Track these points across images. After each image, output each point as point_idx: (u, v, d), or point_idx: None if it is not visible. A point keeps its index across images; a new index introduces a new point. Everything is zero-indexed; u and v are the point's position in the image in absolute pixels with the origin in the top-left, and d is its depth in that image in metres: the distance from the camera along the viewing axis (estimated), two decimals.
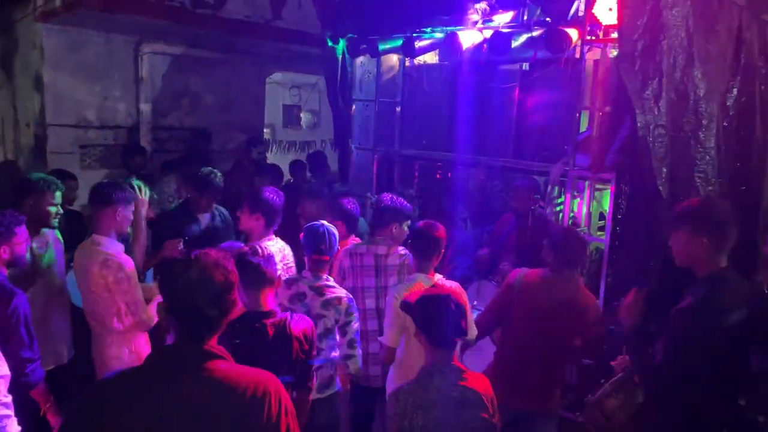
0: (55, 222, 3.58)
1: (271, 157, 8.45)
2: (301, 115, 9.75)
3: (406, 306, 2.61)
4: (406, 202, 3.91)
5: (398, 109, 6.36)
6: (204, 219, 4.33)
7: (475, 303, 4.41)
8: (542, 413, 3.43)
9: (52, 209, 3.52)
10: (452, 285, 3.21)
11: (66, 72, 5.93)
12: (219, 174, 4.36)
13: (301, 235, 3.33)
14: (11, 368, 2.59)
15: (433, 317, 2.45)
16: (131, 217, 3.43)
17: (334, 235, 3.28)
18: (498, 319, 3.47)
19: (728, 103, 3.96)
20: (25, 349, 2.84)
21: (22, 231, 3.01)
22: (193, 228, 4.23)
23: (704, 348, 2.40)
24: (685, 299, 2.54)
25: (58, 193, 3.56)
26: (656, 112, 3.65)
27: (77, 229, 4.91)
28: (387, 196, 3.92)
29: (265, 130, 8.42)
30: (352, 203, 4.09)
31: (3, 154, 6.55)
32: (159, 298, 1.89)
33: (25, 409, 2.76)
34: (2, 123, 6.53)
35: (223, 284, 1.74)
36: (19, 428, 2.57)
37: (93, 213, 3.36)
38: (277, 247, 3.67)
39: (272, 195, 3.80)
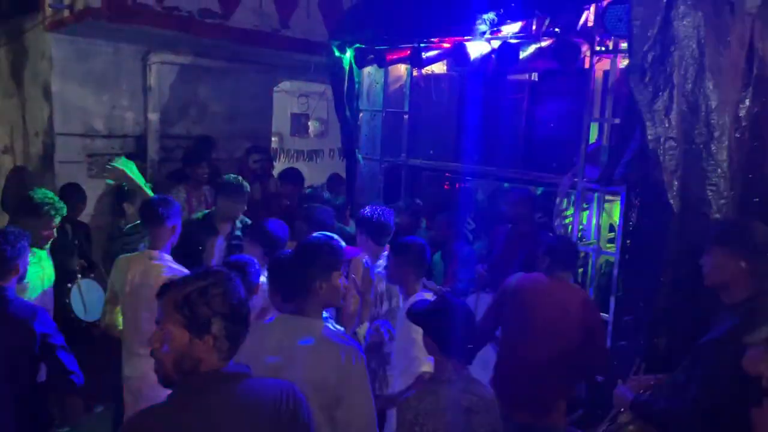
0: (47, 246, 3.61)
1: (279, 166, 8.44)
2: (309, 123, 9.75)
3: (414, 316, 2.59)
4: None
5: (406, 118, 6.33)
6: (225, 229, 4.24)
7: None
8: (544, 428, 3.38)
9: (47, 233, 3.55)
10: None
11: (74, 81, 5.95)
12: (242, 181, 4.26)
13: None
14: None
15: (445, 326, 2.45)
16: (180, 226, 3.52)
17: None
18: (495, 322, 3.44)
19: (740, 114, 3.90)
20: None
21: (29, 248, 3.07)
22: (213, 240, 4.18)
23: (740, 385, 2.17)
24: (714, 328, 2.41)
25: (58, 218, 3.57)
26: (667, 125, 3.60)
27: (84, 242, 4.94)
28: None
29: (272, 139, 8.42)
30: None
31: (12, 163, 6.58)
32: None
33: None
34: (12, 132, 6.57)
35: None
36: None
37: (148, 230, 3.47)
38: None
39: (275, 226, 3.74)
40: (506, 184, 5.83)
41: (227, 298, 1.77)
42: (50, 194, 3.65)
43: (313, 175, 9.25)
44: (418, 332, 2.67)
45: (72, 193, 4.84)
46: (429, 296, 3.32)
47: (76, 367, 2.91)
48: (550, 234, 4.40)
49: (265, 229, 3.66)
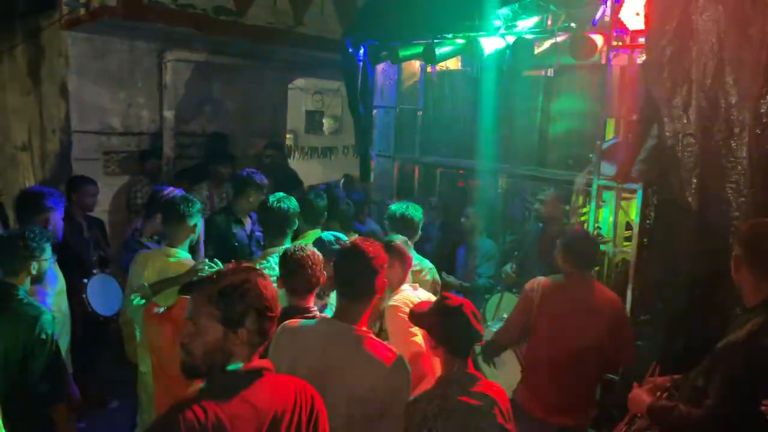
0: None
1: (293, 163, 8.45)
2: (324, 120, 9.75)
3: (417, 318, 2.56)
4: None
5: (419, 115, 6.30)
6: (249, 222, 4.32)
7: (504, 315, 4.32)
8: (577, 428, 3.35)
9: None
10: None
11: (90, 79, 6.00)
12: (259, 174, 4.34)
13: None
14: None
15: (451, 328, 2.42)
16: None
17: None
18: (522, 332, 3.39)
19: (762, 110, 3.81)
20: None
21: (49, 247, 3.07)
22: (240, 233, 4.23)
23: (760, 390, 2.16)
24: (733, 331, 2.34)
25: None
26: (685, 121, 3.53)
27: (100, 237, 4.97)
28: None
29: (287, 136, 8.43)
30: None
31: (30, 160, 6.66)
32: None
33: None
34: (29, 130, 6.64)
35: None
36: None
37: (167, 227, 3.47)
38: None
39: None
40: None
41: (261, 293, 1.80)
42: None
43: (327, 172, 9.27)
44: (407, 324, 2.66)
45: (83, 184, 4.86)
46: (415, 288, 3.31)
47: (62, 380, 2.91)
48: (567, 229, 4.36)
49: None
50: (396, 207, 3.97)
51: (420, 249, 5.06)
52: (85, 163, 5.97)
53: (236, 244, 4.22)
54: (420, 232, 4.00)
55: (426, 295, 3.26)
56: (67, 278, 3.82)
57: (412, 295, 3.20)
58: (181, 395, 1.75)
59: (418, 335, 2.95)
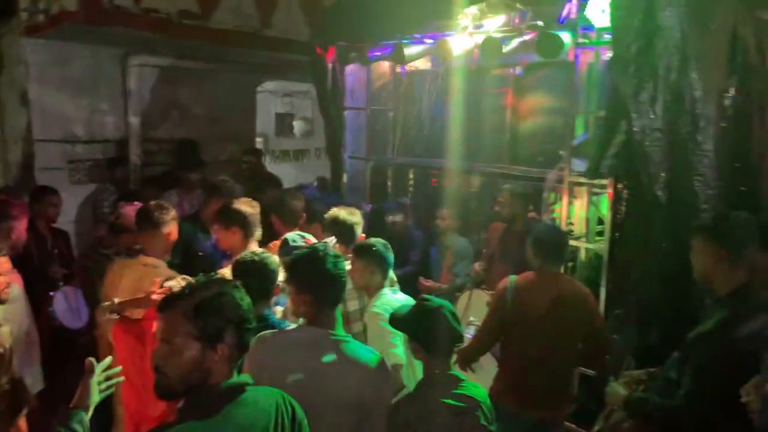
0: None
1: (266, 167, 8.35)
2: (294, 123, 9.67)
3: (397, 322, 2.55)
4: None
5: (391, 116, 6.28)
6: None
7: (471, 319, 4.32)
8: (553, 423, 3.36)
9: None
10: None
11: (52, 87, 5.84)
12: (232, 182, 4.26)
13: None
14: None
15: (430, 328, 2.42)
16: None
17: None
18: (500, 331, 3.39)
19: (726, 104, 3.88)
20: None
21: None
22: (205, 242, 4.13)
23: (734, 377, 2.13)
24: (703, 321, 2.38)
25: None
26: (652, 116, 3.57)
27: (65, 249, 4.84)
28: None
29: (257, 140, 8.33)
30: None
31: None
32: None
33: None
34: None
35: None
36: None
37: (142, 236, 3.36)
38: None
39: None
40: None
41: (238, 305, 1.74)
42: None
43: (300, 175, 9.18)
44: (387, 326, 2.65)
45: (45, 194, 4.73)
46: (394, 290, 3.30)
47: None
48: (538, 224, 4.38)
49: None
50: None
51: (406, 257, 5.06)
52: (50, 172, 5.81)
53: (200, 252, 4.11)
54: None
55: (405, 298, 3.24)
56: (32, 292, 3.71)
57: (392, 299, 3.17)
58: (154, 413, 1.70)
59: (399, 346, 2.93)
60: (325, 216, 3.79)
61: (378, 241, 3.34)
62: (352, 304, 3.51)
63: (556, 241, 3.36)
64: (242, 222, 3.53)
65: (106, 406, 3.52)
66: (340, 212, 3.72)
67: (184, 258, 3.90)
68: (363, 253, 3.27)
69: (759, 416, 1.92)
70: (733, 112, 3.87)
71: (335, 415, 2.21)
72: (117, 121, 6.32)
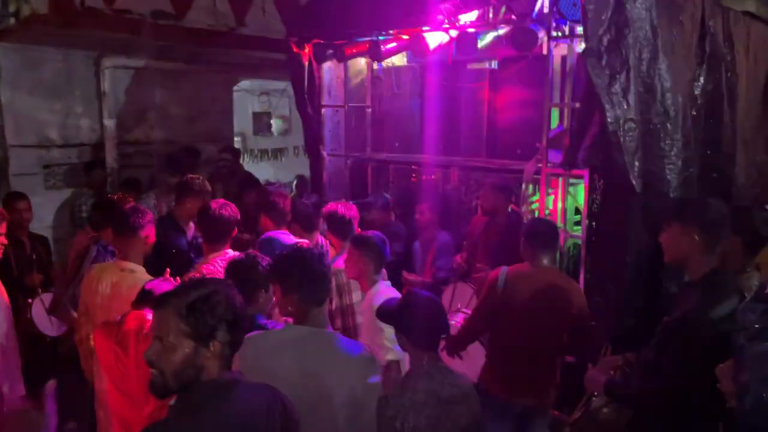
0: None
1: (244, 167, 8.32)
2: (272, 122, 9.64)
3: (384, 315, 2.57)
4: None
5: (369, 112, 6.29)
6: (190, 229, 4.21)
7: (459, 306, 4.38)
8: (540, 409, 3.42)
9: None
10: None
11: (25, 91, 5.76)
12: (203, 180, 4.23)
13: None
14: None
15: (417, 320, 2.43)
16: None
17: None
18: (488, 321, 3.43)
19: (695, 93, 3.97)
20: None
21: None
22: (178, 240, 4.12)
23: (709, 358, 2.15)
24: (679, 305, 2.42)
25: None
26: (625, 107, 3.64)
27: (44, 255, 4.78)
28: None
29: (235, 139, 8.29)
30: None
31: None
32: None
33: None
34: None
35: None
36: None
37: (119, 240, 3.32)
38: None
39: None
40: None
41: (231, 303, 1.76)
42: None
43: (279, 174, 9.16)
44: (381, 323, 2.67)
45: (14, 200, 4.65)
46: (385, 281, 3.32)
47: None
48: (528, 218, 4.43)
49: None
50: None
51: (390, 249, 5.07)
52: (25, 178, 5.73)
53: (173, 251, 4.09)
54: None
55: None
56: (11, 299, 3.66)
57: (389, 292, 3.19)
58: (143, 412, 1.71)
59: (391, 348, 2.95)
60: (323, 210, 3.88)
61: (376, 234, 3.37)
62: (356, 296, 3.54)
63: (548, 234, 3.39)
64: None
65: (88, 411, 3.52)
66: (338, 207, 3.81)
67: (158, 255, 3.87)
68: (360, 243, 3.32)
69: (738, 403, 1.96)
70: (703, 100, 3.96)
71: (329, 411, 2.22)
72: (92, 124, 6.26)
